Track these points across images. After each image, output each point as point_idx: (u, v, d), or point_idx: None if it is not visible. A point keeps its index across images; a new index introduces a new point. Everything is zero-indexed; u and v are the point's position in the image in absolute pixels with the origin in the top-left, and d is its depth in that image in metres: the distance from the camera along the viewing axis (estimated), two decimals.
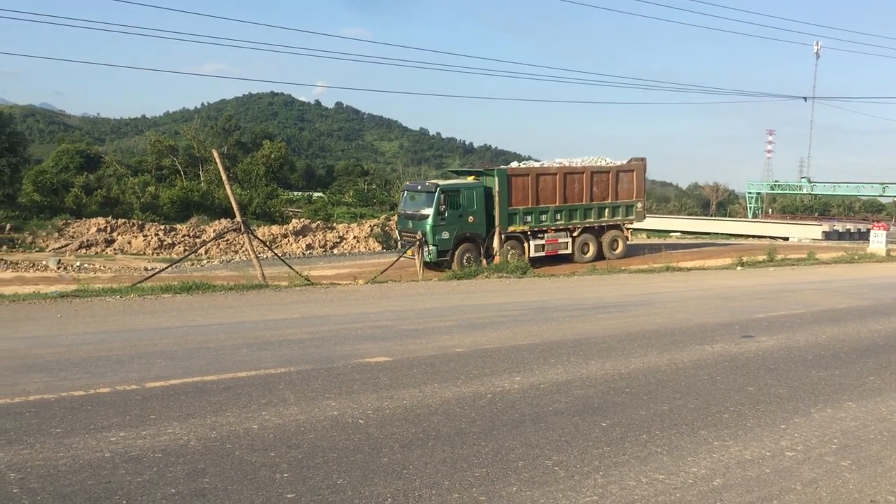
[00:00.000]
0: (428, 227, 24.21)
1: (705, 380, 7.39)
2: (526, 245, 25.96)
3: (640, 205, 28.71)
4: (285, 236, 38.59)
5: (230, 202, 20.54)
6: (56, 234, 36.19)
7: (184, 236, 36.75)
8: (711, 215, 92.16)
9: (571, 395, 6.56)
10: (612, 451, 5.05)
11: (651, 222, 65.20)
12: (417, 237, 22.67)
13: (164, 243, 35.46)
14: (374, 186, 73.03)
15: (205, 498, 4.00)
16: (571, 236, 27.11)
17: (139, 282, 16.27)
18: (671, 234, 56.77)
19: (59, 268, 25.51)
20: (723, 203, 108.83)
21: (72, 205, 42.82)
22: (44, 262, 26.83)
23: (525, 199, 25.71)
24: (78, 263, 27.32)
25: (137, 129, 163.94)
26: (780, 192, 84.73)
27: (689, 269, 24.93)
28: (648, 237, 53.05)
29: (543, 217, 26.32)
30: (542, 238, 26.32)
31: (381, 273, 19.62)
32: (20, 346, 8.33)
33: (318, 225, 41.28)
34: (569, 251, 27.01)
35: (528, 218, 25.86)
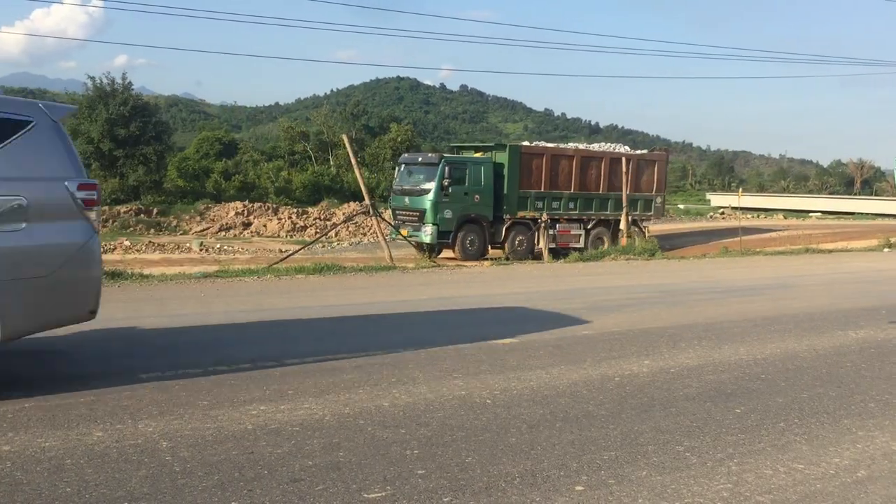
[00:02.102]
0: (429, 203, 21.25)
1: (848, 367, 7.03)
2: (536, 234, 22.99)
3: (659, 199, 25.82)
4: None
5: (359, 185, 21.08)
6: (198, 218, 38.22)
7: (315, 219, 38.04)
8: (855, 194, 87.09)
9: (703, 380, 6.40)
10: (746, 438, 4.90)
11: (789, 202, 62.38)
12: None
13: (297, 226, 36.82)
14: None
15: (340, 471, 4.16)
16: (585, 228, 23.90)
17: (275, 263, 16.98)
18: (811, 214, 53.99)
19: (201, 250, 26.92)
20: (868, 181, 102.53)
21: (212, 189, 45.09)
22: (187, 245, 28.40)
23: (538, 182, 23.01)
24: (218, 245, 28.76)
25: (271, 116, 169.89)
26: None
27: (830, 251, 23.72)
28: (786, 217, 50.73)
29: (556, 204, 23.32)
30: (553, 227, 23.01)
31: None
32: (170, 324, 8.88)
33: None
34: (580, 245, 23.52)
35: (540, 204, 22.95)
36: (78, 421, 4.94)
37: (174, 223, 37.20)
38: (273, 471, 4.14)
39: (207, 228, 36.16)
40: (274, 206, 40.74)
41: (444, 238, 21.34)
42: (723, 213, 51.47)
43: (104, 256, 20.89)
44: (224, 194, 44.62)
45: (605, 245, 23.82)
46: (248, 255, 24.67)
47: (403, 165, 23.85)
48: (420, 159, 23.52)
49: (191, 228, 36.46)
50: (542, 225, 22.09)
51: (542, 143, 26.92)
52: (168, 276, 14.26)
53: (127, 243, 27.79)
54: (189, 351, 7.22)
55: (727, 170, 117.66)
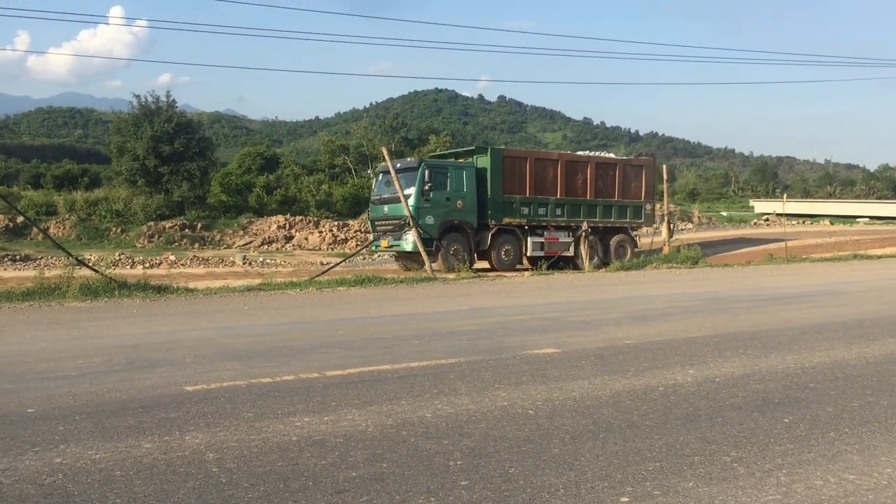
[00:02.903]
0: (409, 209, 20.06)
1: None
2: (523, 242, 22.20)
3: (648, 206, 25.01)
4: None
5: (399, 198, 21.12)
6: (241, 232, 38.73)
7: (355, 231, 38.33)
8: None
9: (749, 389, 6.29)
10: (795, 448, 4.80)
11: (835, 207, 61.20)
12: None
13: (338, 238, 37.14)
14: None
15: (384, 482, 4.17)
16: (574, 236, 22.96)
17: (316, 276, 17.13)
18: (858, 219, 52.93)
19: (244, 263, 27.27)
20: None
21: (254, 204, 45.64)
22: (231, 258, 28.78)
23: (522, 187, 22.18)
24: (261, 259, 29.10)
25: (311, 131, 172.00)
26: None
27: (878, 257, 23.22)
28: (832, 223, 49.81)
29: (542, 210, 22.51)
30: (541, 235, 22.41)
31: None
32: (214, 336, 9.01)
33: None
34: (570, 253, 22.79)
35: (525, 210, 22.21)
36: (127, 433, 5.03)
37: (218, 237, 37.73)
38: (318, 482, 4.17)
39: (250, 242, 36.61)
40: (315, 219, 41.12)
41: (426, 246, 20.03)
42: (767, 220, 50.71)
43: (150, 271, 21.32)
44: (266, 208, 45.16)
45: (596, 254, 23.22)
46: (291, 268, 24.91)
47: (381, 175, 22.63)
48: (399, 165, 22.21)
49: (234, 242, 36.95)
50: (583, 234, 21.93)
51: (525, 149, 26.73)
52: (212, 289, 14.48)
53: (172, 258, 28.27)
54: (234, 363, 7.31)
55: (771, 176, 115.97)
